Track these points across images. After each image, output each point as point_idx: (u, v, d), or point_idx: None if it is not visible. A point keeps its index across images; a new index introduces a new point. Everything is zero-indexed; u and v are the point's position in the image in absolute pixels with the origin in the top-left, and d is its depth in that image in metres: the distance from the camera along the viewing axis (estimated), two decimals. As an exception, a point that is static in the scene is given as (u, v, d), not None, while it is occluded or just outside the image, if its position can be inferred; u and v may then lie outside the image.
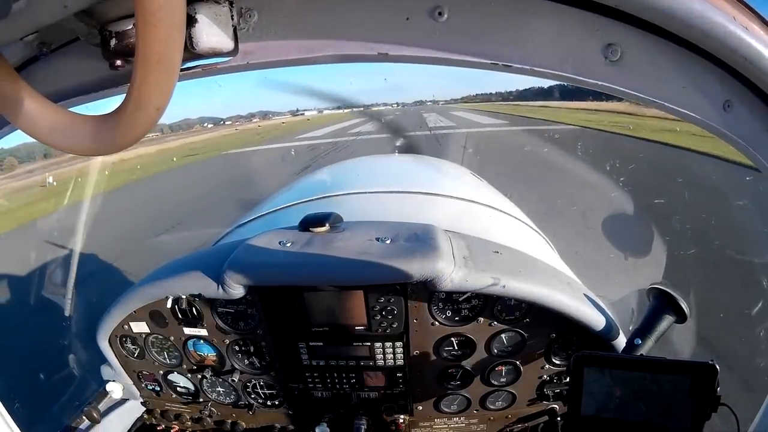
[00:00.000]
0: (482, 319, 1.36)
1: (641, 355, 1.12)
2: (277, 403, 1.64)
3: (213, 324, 1.47)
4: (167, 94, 0.52)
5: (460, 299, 1.35)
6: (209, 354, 1.56)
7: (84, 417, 1.61)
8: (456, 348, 1.43)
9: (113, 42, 0.61)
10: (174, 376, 1.64)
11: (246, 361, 1.55)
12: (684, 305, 1.14)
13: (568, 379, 1.37)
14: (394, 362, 1.46)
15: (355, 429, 1.55)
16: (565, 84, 0.69)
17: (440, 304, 1.36)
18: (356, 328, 1.41)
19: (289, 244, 1.36)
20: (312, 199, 2.16)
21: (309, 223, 1.45)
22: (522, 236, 2.02)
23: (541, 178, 8.40)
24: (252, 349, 1.52)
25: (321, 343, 1.46)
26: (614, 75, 0.65)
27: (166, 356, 1.60)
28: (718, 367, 0.92)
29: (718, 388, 0.94)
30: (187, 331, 1.50)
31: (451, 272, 1.23)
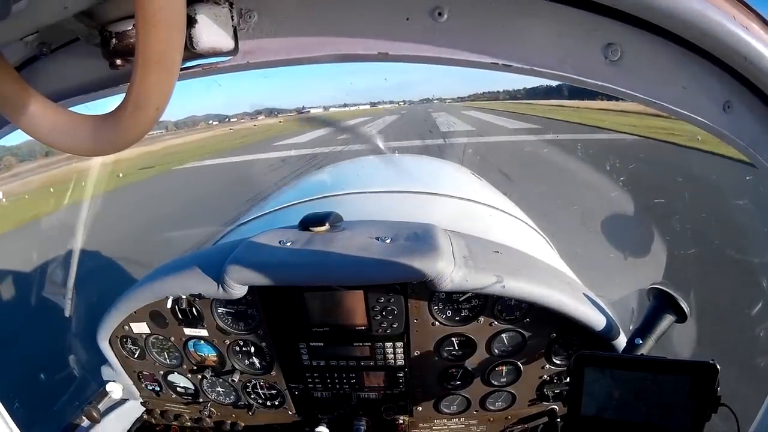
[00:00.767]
0: (482, 318, 1.36)
1: (642, 354, 1.12)
2: (277, 403, 1.64)
3: (213, 324, 1.47)
4: (167, 93, 0.52)
5: (461, 299, 1.35)
6: (209, 354, 1.56)
7: (84, 417, 1.61)
8: (456, 348, 1.42)
9: (113, 42, 0.61)
10: (174, 377, 1.64)
11: (246, 362, 1.55)
12: (684, 305, 1.14)
13: (568, 380, 1.37)
14: (395, 362, 1.46)
15: (355, 429, 1.55)
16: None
17: (440, 304, 1.36)
18: (356, 328, 1.41)
19: (289, 244, 1.36)
20: (312, 199, 2.16)
21: (309, 222, 1.44)
22: (522, 236, 2.02)
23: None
24: (252, 349, 1.52)
25: (321, 344, 1.46)
26: (614, 75, 0.65)
27: (167, 357, 1.60)
28: (718, 366, 0.92)
29: (719, 389, 0.94)
30: (188, 331, 1.50)
31: (452, 272, 1.23)
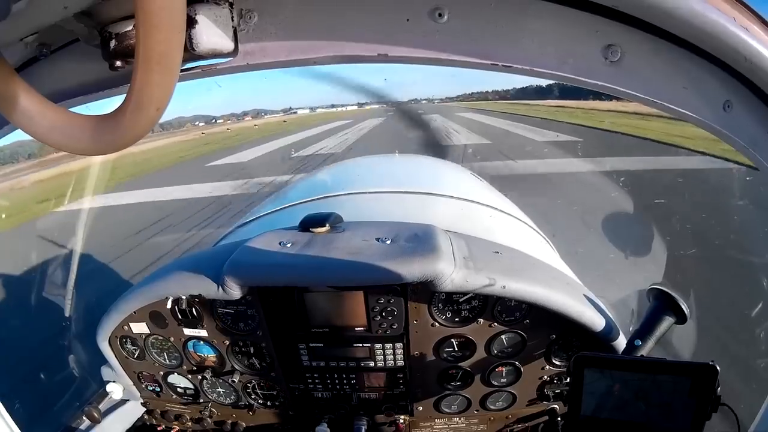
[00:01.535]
0: (482, 320, 1.36)
1: (641, 355, 1.12)
2: (277, 403, 1.64)
3: (213, 325, 1.47)
4: (167, 94, 0.52)
5: (461, 300, 1.35)
6: (209, 355, 1.56)
7: (84, 417, 1.61)
8: (456, 349, 1.42)
9: (113, 43, 0.61)
10: (174, 377, 1.64)
11: (246, 362, 1.55)
12: (684, 306, 1.14)
13: (568, 380, 1.37)
14: (395, 363, 1.46)
15: (355, 429, 1.55)
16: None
17: (440, 305, 1.36)
18: (356, 329, 1.41)
19: (289, 245, 1.36)
20: (312, 200, 2.16)
21: (309, 223, 1.44)
22: (522, 237, 2.02)
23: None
24: (252, 350, 1.52)
25: (321, 344, 1.46)
26: (614, 75, 0.65)
27: (166, 357, 1.60)
28: (718, 368, 0.92)
29: (719, 389, 0.94)
30: (187, 331, 1.50)
31: (452, 273, 1.23)
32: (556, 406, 1.50)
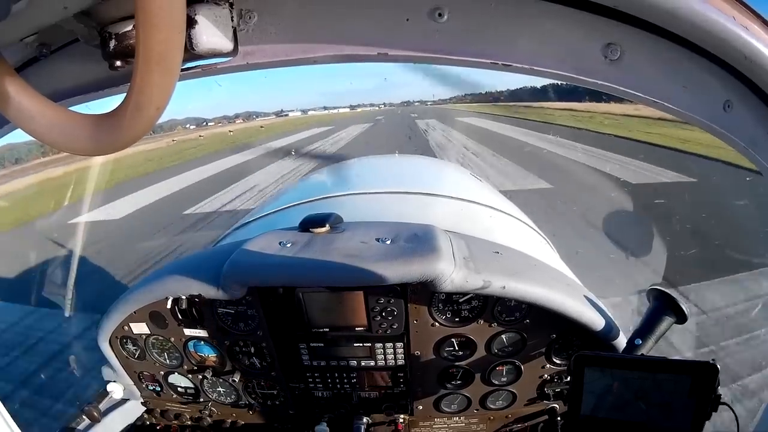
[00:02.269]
0: (482, 320, 1.36)
1: (642, 355, 1.12)
2: (277, 402, 1.64)
3: (213, 325, 1.47)
4: (167, 94, 0.52)
5: (461, 300, 1.35)
6: (210, 355, 1.56)
7: (84, 417, 1.61)
8: (456, 348, 1.42)
9: (113, 43, 0.61)
10: (174, 377, 1.64)
11: (246, 362, 1.55)
12: (684, 306, 1.14)
13: (568, 379, 1.37)
14: (395, 362, 1.46)
15: (355, 428, 1.55)
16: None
17: (440, 305, 1.36)
18: (356, 329, 1.41)
19: (289, 245, 1.36)
20: (312, 200, 2.16)
21: (309, 223, 1.44)
22: (522, 237, 2.02)
23: None
24: (252, 350, 1.52)
25: (321, 344, 1.46)
26: (614, 75, 0.65)
27: (167, 357, 1.60)
28: (718, 366, 0.92)
29: (719, 388, 0.94)
30: (188, 332, 1.50)
31: (452, 273, 1.23)
32: (555, 405, 1.50)
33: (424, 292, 1.31)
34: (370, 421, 1.59)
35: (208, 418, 1.68)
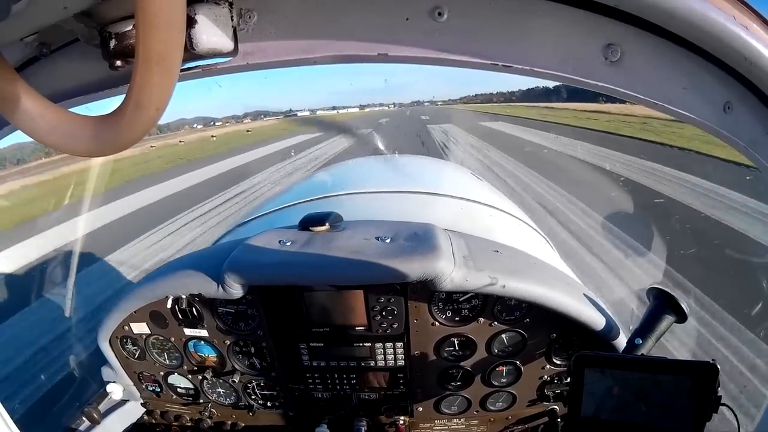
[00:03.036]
0: (482, 319, 1.36)
1: (642, 355, 1.12)
2: (277, 404, 1.64)
3: (213, 325, 1.47)
4: (167, 94, 0.52)
5: (461, 299, 1.35)
6: (210, 355, 1.56)
7: (84, 418, 1.61)
8: (456, 348, 1.42)
9: (113, 43, 0.61)
10: (174, 377, 1.64)
11: (247, 362, 1.55)
12: (684, 305, 1.14)
13: (568, 380, 1.37)
14: (395, 363, 1.46)
15: (355, 430, 1.55)
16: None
17: (440, 304, 1.36)
18: (356, 328, 1.41)
19: (288, 244, 1.36)
20: (312, 199, 2.16)
21: (309, 222, 1.44)
22: (522, 236, 2.02)
23: None
24: (252, 350, 1.52)
25: (321, 344, 1.46)
26: (614, 75, 0.65)
27: (167, 357, 1.60)
28: (719, 366, 0.92)
29: (719, 388, 0.94)
30: (188, 331, 1.50)
31: (452, 272, 1.23)
32: (556, 407, 1.50)
33: (424, 291, 1.31)
34: (370, 422, 1.59)
35: (208, 420, 1.68)
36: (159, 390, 1.68)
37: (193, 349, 1.55)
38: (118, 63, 0.62)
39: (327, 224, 1.43)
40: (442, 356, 1.44)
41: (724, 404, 0.95)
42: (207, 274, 1.35)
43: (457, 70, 0.70)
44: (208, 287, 1.34)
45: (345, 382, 1.53)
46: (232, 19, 0.65)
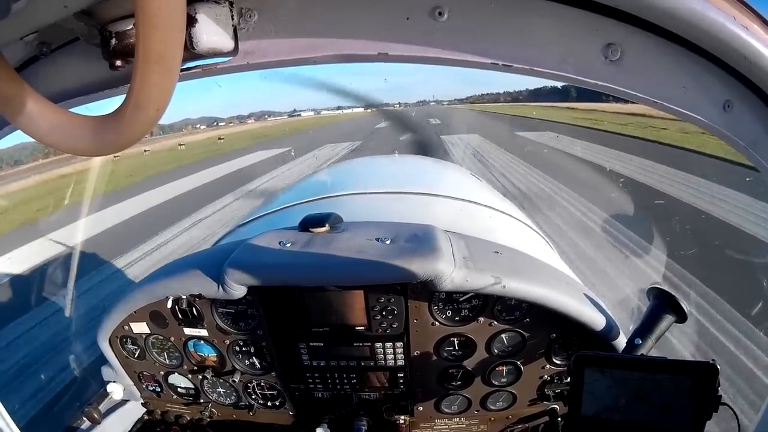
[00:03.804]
0: (482, 319, 1.36)
1: (642, 355, 1.12)
2: (277, 403, 1.64)
3: (213, 324, 1.47)
4: (167, 94, 0.52)
5: (461, 299, 1.35)
6: (210, 354, 1.56)
7: (84, 418, 1.61)
8: (456, 348, 1.42)
9: (113, 42, 0.61)
10: (175, 377, 1.64)
11: (247, 362, 1.55)
12: (684, 305, 1.14)
13: (568, 379, 1.37)
14: (395, 362, 1.46)
15: (355, 430, 1.55)
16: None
17: (440, 304, 1.36)
18: (356, 328, 1.41)
19: (289, 245, 1.36)
20: (312, 200, 2.16)
21: (309, 223, 1.44)
22: (522, 236, 2.02)
23: None
24: (253, 349, 1.52)
25: (321, 344, 1.46)
26: (614, 75, 0.65)
27: (167, 357, 1.60)
28: (718, 366, 0.92)
29: (719, 388, 0.94)
30: (188, 331, 1.50)
31: (452, 272, 1.23)
32: (556, 406, 1.50)
33: (424, 291, 1.31)
34: (370, 422, 1.59)
35: (209, 420, 1.68)
36: (159, 390, 1.68)
37: (192, 349, 1.55)
38: (118, 63, 0.63)
39: (327, 225, 1.43)
40: (442, 356, 1.44)
41: (724, 404, 0.95)
42: (208, 275, 1.35)
43: (457, 69, 0.71)
44: (208, 288, 1.34)
45: (345, 381, 1.53)
46: (232, 19, 0.65)
